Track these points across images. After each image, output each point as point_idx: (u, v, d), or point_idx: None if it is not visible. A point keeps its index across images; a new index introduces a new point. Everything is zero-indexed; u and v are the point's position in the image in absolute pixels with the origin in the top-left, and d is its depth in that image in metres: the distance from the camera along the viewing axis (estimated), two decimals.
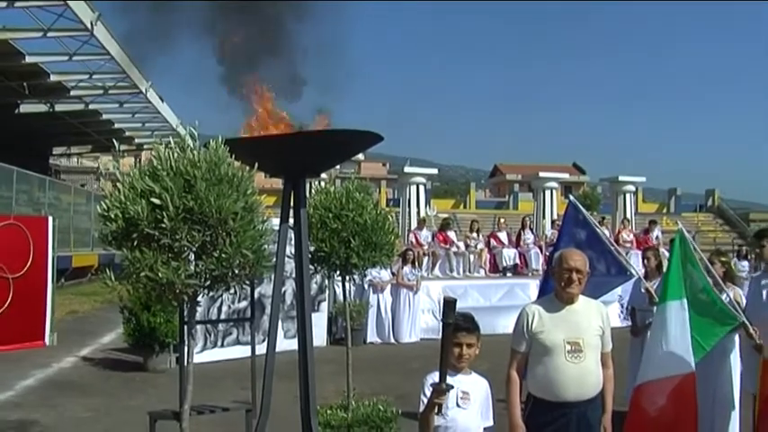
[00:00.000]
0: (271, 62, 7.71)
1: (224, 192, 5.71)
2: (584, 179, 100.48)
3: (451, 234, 26.19)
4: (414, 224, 28.40)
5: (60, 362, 16.18)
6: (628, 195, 35.43)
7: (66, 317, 22.39)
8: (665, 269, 9.60)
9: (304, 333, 7.28)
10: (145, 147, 49.44)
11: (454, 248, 25.31)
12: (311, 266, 8.63)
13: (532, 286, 21.74)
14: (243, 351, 14.80)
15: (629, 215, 33.73)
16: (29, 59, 31.41)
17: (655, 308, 9.01)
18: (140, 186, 5.65)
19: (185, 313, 6.45)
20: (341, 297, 15.48)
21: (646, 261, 11.70)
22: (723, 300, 8.58)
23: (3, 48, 29.46)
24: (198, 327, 13.97)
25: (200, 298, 6.21)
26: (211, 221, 5.65)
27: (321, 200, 9.04)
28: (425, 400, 5.45)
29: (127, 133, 48.30)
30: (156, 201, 5.55)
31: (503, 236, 26.59)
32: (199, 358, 12.13)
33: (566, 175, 42.69)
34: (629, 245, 26.78)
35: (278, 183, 7.64)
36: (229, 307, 16.12)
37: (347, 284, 9.91)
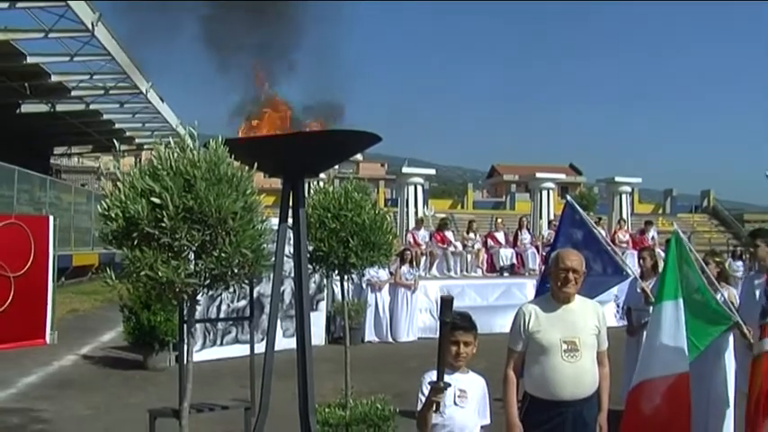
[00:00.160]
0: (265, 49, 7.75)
1: (223, 191, 5.73)
2: (580, 180, 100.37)
3: (449, 234, 26.29)
4: (412, 224, 28.49)
5: (61, 360, 16.25)
6: (624, 196, 35.57)
7: (67, 315, 22.46)
8: (660, 269, 9.67)
9: (302, 332, 7.30)
10: (145, 147, 49.48)
11: (452, 248, 25.39)
12: (310, 266, 8.66)
13: (529, 286, 21.82)
14: (242, 349, 14.89)
15: (625, 216, 33.81)
16: (30, 60, 31.44)
17: (650, 307, 9.08)
18: (140, 186, 5.66)
19: (185, 312, 6.48)
20: (339, 296, 15.54)
21: (642, 261, 11.76)
22: (718, 300, 8.65)
23: (4, 48, 29.50)
24: (197, 325, 14.03)
25: (199, 297, 6.23)
26: (211, 221, 5.68)
27: (320, 200, 9.06)
28: (423, 399, 5.48)
29: (127, 133, 48.33)
30: (156, 200, 5.56)
31: (500, 236, 26.69)
32: (198, 357, 12.19)
33: (562, 176, 42.81)
34: (625, 245, 26.84)
35: (277, 183, 7.68)
36: (228, 306, 16.18)
37: (345, 284, 9.95)
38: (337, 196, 9.03)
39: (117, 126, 46.02)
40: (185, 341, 6.48)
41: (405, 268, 20.52)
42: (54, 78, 34.37)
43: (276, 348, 7.40)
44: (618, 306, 14.97)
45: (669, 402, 7.91)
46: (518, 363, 6.35)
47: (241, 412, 9.39)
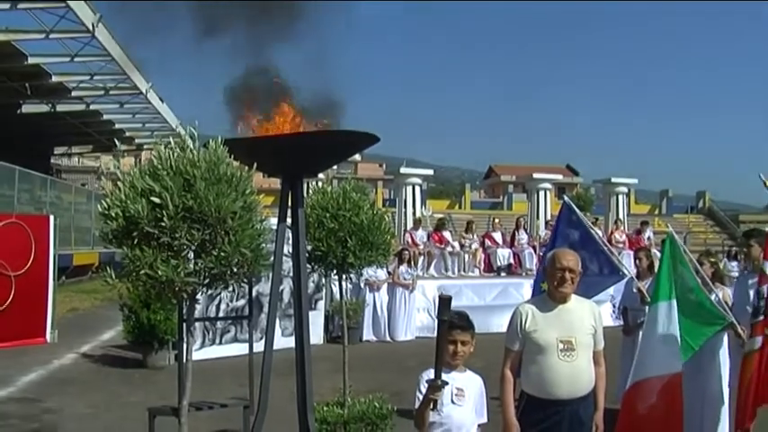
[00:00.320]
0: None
1: (223, 191, 5.77)
2: (577, 180, 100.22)
3: (447, 234, 26.28)
4: (410, 224, 28.58)
5: (61, 358, 16.31)
6: (620, 197, 35.62)
7: (67, 314, 22.54)
8: (656, 269, 9.73)
9: (301, 331, 7.34)
10: (145, 147, 49.50)
11: (449, 248, 25.42)
12: (308, 265, 8.71)
13: (526, 286, 21.85)
14: (241, 348, 14.93)
15: (621, 216, 33.92)
16: (31, 60, 31.51)
17: (646, 307, 9.14)
18: (140, 185, 5.71)
19: (184, 311, 6.54)
20: (338, 296, 15.58)
21: (638, 261, 11.80)
22: (712, 300, 8.70)
23: (5, 49, 29.57)
24: (197, 324, 14.04)
25: (198, 296, 6.28)
26: (210, 220, 5.72)
27: (318, 200, 9.10)
28: (421, 397, 5.51)
29: (127, 133, 48.39)
30: (156, 200, 5.61)
31: (497, 236, 26.75)
32: (197, 355, 12.24)
33: (559, 177, 42.80)
34: (621, 245, 26.88)
35: (276, 183, 7.72)
36: (228, 305, 16.21)
37: (344, 283, 9.99)
38: (336, 196, 9.07)
39: (117, 126, 46.09)
40: (185, 340, 6.53)
41: (403, 268, 20.56)
42: (54, 79, 34.46)
43: (275, 347, 7.45)
44: (614, 306, 15.01)
45: (664, 402, 7.97)
46: (515, 362, 6.37)
47: (240, 410, 9.45)
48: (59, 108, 39.16)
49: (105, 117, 43.50)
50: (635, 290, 10.92)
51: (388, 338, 20.21)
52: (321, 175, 21.73)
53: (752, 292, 8.70)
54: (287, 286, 16.00)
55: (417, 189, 31.39)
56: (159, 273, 5.64)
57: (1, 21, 28.82)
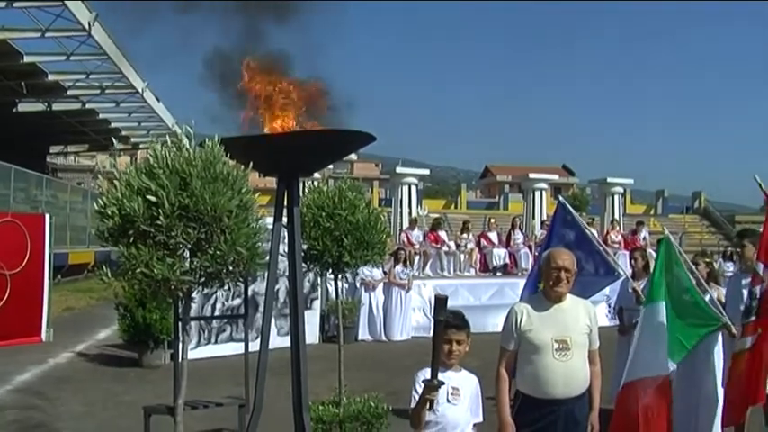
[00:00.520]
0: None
1: (219, 190, 5.78)
2: (573, 181, 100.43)
3: (442, 234, 26.32)
4: (405, 224, 28.59)
5: (56, 357, 16.31)
6: (616, 197, 35.70)
7: (63, 313, 22.54)
8: (651, 269, 9.75)
9: (297, 330, 7.34)
10: (141, 146, 49.49)
11: (445, 248, 25.47)
12: (304, 265, 8.71)
13: (522, 286, 21.84)
14: (236, 348, 14.90)
15: (617, 216, 33.96)
16: (27, 59, 31.48)
17: (642, 307, 9.16)
18: (137, 184, 5.71)
19: (180, 309, 6.55)
20: (333, 295, 15.59)
21: (633, 261, 11.80)
22: (707, 300, 8.73)
23: (1, 47, 29.51)
24: (192, 323, 14.05)
25: (194, 294, 6.29)
26: (206, 219, 5.73)
27: (314, 199, 9.11)
28: (417, 396, 5.52)
29: (123, 133, 48.37)
30: (152, 198, 5.62)
31: (493, 236, 26.78)
32: (193, 354, 12.23)
33: (555, 177, 42.91)
34: (617, 245, 26.93)
35: (272, 182, 7.72)
36: (223, 304, 16.21)
37: (339, 283, 10.00)
38: (331, 195, 9.08)
39: (113, 125, 46.03)
40: (180, 338, 6.54)
41: (399, 268, 20.56)
42: (50, 77, 34.41)
43: (270, 347, 7.46)
44: (609, 306, 15.03)
45: (655, 403, 8.00)
46: (510, 361, 6.37)
47: (235, 409, 9.49)
48: (55, 107, 39.12)
49: (101, 116, 43.42)
50: (630, 290, 10.92)
51: (384, 338, 20.21)
52: (317, 175, 21.72)
53: (745, 292, 8.71)
54: (283, 285, 16.02)
55: (413, 189, 31.38)
56: (155, 271, 5.65)
57: None
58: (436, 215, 35.50)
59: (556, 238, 10.93)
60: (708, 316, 8.60)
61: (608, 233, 28.58)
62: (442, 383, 5.43)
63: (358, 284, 20.03)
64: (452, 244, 25.94)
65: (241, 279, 6.69)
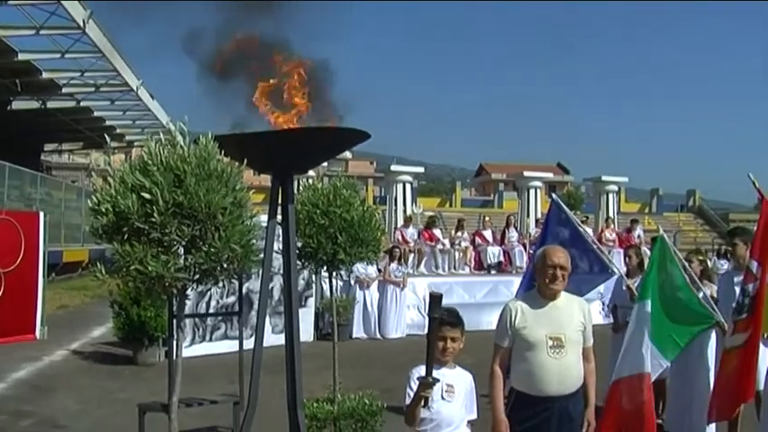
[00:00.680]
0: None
1: (213, 187, 5.77)
2: (567, 179, 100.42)
3: (437, 232, 26.41)
4: (400, 222, 28.55)
5: (51, 355, 16.30)
6: (611, 195, 35.70)
7: (57, 311, 22.51)
8: (646, 267, 9.78)
9: (291, 328, 7.33)
10: (135, 144, 49.42)
11: (440, 246, 25.52)
12: (298, 262, 8.71)
13: (516, 283, 21.74)
14: (231, 345, 14.92)
15: (611, 214, 34.01)
16: (21, 57, 31.38)
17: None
18: (131, 181, 5.71)
19: (174, 307, 6.55)
20: (328, 293, 15.60)
21: (628, 259, 11.86)
22: (700, 299, 8.76)
23: None
24: (187, 321, 14.03)
25: (189, 292, 6.29)
26: (200, 216, 5.73)
27: (309, 196, 9.10)
28: (411, 393, 5.53)
29: (118, 130, 48.25)
30: (147, 195, 5.61)
31: (487, 234, 26.86)
32: (187, 352, 12.26)
33: (550, 175, 42.84)
34: (611, 243, 27.03)
35: (266, 180, 7.71)
36: (218, 302, 16.21)
37: (334, 280, 10.01)
38: (326, 193, 9.07)
39: (107, 123, 45.90)
40: (175, 336, 6.54)
41: (393, 265, 20.60)
42: (45, 75, 34.32)
43: (265, 344, 7.44)
44: (603, 304, 15.06)
45: (642, 400, 8.07)
46: (504, 358, 6.37)
47: (230, 407, 9.48)
48: (50, 105, 39.08)
49: (96, 114, 43.35)
50: (624, 288, 10.97)
51: (379, 336, 20.26)
52: (311, 173, 21.71)
53: (737, 290, 8.74)
54: (277, 283, 16.01)
55: (408, 187, 31.34)
56: (149, 268, 5.64)
57: None
58: (431, 213, 35.52)
59: (550, 236, 10.94)
60: (701, 314, 8.64)
61: (602, 231, 28.64)
62: (437, 381, 5.42)
63: (353, 282, 20.05)
64: (447, 242, 26.00)
65: (235, 276, 6.67)
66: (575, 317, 6.32)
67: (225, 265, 6.01)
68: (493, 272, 25.65)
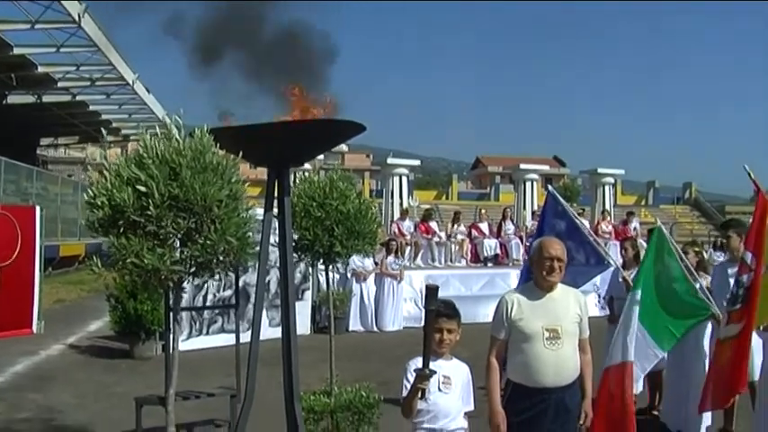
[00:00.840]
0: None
1: (209, 179, 5.76)
2: (564, 171, 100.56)
3: (433, 224, 26.38)
4: (396, 215, 28.59)
5: (48, 349, 16.29)
6: (607, 187, 35.79)
7: (54, 305, 22.52)
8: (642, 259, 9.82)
9: (288, 321, 7.33)
10: (131, 138, 49.39)
11: (436, 239, 25.54)
12: (295, 255, 8.71)
13: (513, 276, 21.94)
14: (228, 339, 14.88)
15: (608, 207, 34.08)
16: (17, 51, 31.38)
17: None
18: (126, 174, 5.69)
19: (171, 300, 6.55)
20: (324, 286, 15.62)
21: (624, 251, 11.88)
22: (697, 290, 8.79)
23: None
24: (184, 315, 14.06)
25: (185, 285, 6.29)
26: (196, 209, 5.71)
27: (305, 189, 9.08)
28: (408, 385, 5.56)
29: (113, 124, 48.22)
30: (142, 188, 5.60)
31: (484, 226, 26.83)
32: (184, 346, 12.26)
33: (546, 168, 42.96)
34: (607, 236, 27.05)
35: (263, 173, 7.71)
36: (214, 295, 16.23)
37: (330, 274, 10.01)
38: (322, 185, 9.05)
39: (103, 117, 45.92)
40: (171, 329, 6.54)
41: (390, 258, 20.61)
42: (40, 69, 34.32)
43: (262, 338, 7.44)
44: (599, 296, 15.07)
45: (620, 388, 8.16)
46: (501, 350, 6.38)
47: (227, 400, 9.48)
48: (45, 99, 39.07)
49: (91, 108, 43.36)
50: (621, 280, 10.99)
51: (375, 329, 20.26)
52: (308, 165, 21.70)
53: (731, 281, 8.78)
54: (274, 276, 16.03)
55: (404, 180, 31.40)
56: (145, 261, 5.64)
57: None
58: (427, 206, 35.59)
59: (547, 229, 10.96)
60: (697, 305, 8.69)
61: (599, 223, 28.68)
62: (434, 372, 5.45)
63: (349, 275, 20.08)
64: (443, 235, 26.02)
65: (231, 269, 6.69)
66: (571, 308, 6.34)
67: (221, 258, 6.01)
68: (489, 264, 25.65)
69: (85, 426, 10.64)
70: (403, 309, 20.90)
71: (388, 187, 31.39)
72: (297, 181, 9.87)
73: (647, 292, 8.50)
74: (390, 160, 33.30)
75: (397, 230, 25.08)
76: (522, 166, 34.60)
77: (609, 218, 30.53)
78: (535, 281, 6.47)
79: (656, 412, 11.02)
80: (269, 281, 16.19)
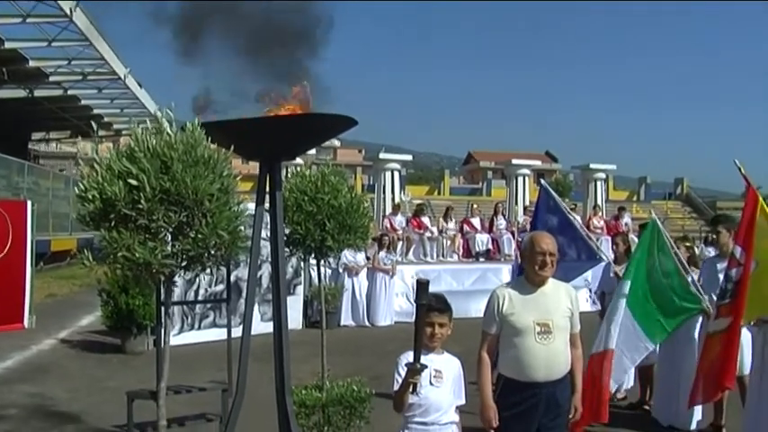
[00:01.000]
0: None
1: (200, 173, 5.75)
2: (556, 167, 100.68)
3: (425, 219, 26.39)
4: (389, 209, 28.59)
5: (39, 344, 16.25)
6: (599, 183, 35.88)
7: (45, 300, 22.44)
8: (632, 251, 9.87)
9: (279, 316, 7.34)
10: (123, 132, 49.30)
11: (428, 234, 25.54)
12: (286, 249, 8.70)
13: (504, 271, 22.02)
14: (219, 333, 14.88)
15: (599, 202, 34.26)
16: (8, 45, 31.15)
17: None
18: (117, 167, 5.67)
19: (162, 294, 6.54)
20: (316, 281, 15.63)
21: (615, 246, 11.92)
22: (689, 283, 8.83)
23: None
24: (175, 310, 14.05)
25: (176, 279, 6.29)
26: (188, 202, 5.70)
27: (297, 183, 9.07)
28: (399, 379, 5.55)
29: (105, 119, 48.06)
30: (134, 182, 5.58)
31: (476, 221, 26.91)
32: (176, 341, 12.25)
33: (538, 163, 43.02)
34: (599, 231, 27.18)
35: (254, 168, 7.70)
36: (206, 290, 16.22)
37: (322, 268, 10.01)
38: (314, 179, 9.04)
39: (95, 111, 45.70)
40: (162, 323, 6.54)
41: (382, 253, 20.64)
42: (32, 64, 34.10)
43: (253, 332, 7.43)
44: (590, 291, 15.11)
45: (599, 375, 8.24)
46: (492, 345, 6.41)
47: (218, 394, 9.48)
48: (37, 93, 38.87)
49: (83, 102, 43.16)
50: (612, 274, 11.03)
51: (367, 323, 20.30)
52: (299, 160, 21.72)
53: (721, 276, 8.82)
54: (265, 271, 16.01)
55: (396, 175, 31.42)
56: (136, 255, 5.63)
57: None
58: (419, 201, 35.62)
59: (540, 224, 11.00)
60: (689, 299, 8.74)
61: (590, 219, 28.78)
62: (425, 367, 5.45)
63: (341, 270, 20.12)
64: (435, 230, 26.03)
65: (223, 263, 6.67)
66: (562, 303, 6.35)
67: (212, 252, 6.00)
68: (481, 259, 25.70)
69: (77, 420, 10.64)
70: (395, 303, 20.95)
71: (380, 182, 31.38)
72: (288, 175, 9.85)
73: (638, 283, 8.55)
74: (382, 155, 33.32)
75: (388, 225, 25.08)
76: (514, 161, 34.72)
77: (600, 213, 30.67)
78: (526, 275, 6.48)
79: (647, 407, 11.05)
80: (260, 275, 16.17)
